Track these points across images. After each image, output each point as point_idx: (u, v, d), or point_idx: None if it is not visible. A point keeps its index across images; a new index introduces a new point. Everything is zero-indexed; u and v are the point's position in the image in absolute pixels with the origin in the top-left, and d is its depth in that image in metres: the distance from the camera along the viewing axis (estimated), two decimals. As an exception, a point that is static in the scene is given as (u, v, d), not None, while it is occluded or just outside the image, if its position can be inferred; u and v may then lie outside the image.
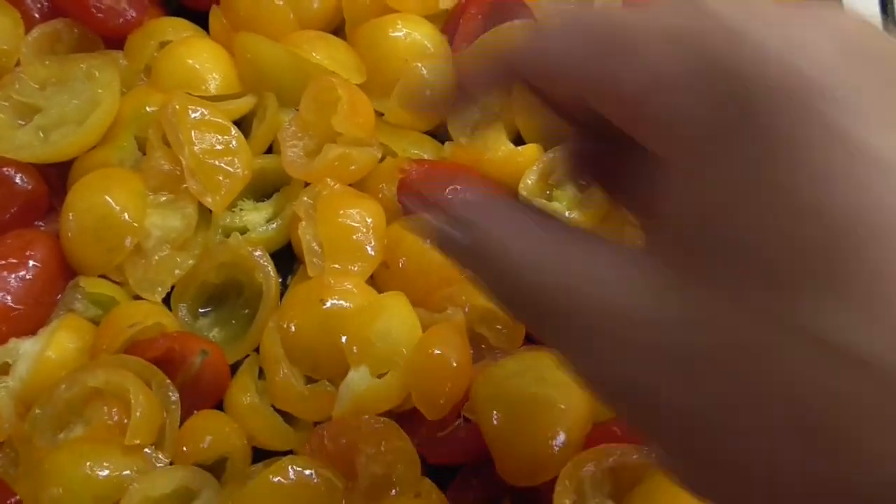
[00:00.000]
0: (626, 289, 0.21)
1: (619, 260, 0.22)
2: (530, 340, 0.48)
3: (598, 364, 0.22)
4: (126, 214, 0.50)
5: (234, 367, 0.49)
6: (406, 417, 0.46)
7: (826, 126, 0.18)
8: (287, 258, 0.53)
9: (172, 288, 0.51)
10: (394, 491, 0.43)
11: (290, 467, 0.43)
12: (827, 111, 0.19)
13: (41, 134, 0.53)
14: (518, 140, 0.56)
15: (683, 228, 0.20)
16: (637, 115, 0.22)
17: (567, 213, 0.51)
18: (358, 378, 0.44)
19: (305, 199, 0.50)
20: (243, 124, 0.56)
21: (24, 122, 0.54)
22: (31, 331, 0.49)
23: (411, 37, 0.56)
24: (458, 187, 0.51)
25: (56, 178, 0.55)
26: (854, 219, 0.18)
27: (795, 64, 0.19)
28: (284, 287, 0.52)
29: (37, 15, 0.58)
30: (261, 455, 0.47)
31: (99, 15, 0.56)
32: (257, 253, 0.50)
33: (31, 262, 0.50)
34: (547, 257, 0.23)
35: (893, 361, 0.17)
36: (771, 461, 0.19)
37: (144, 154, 0.54)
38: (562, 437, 0.42)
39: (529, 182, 0.52)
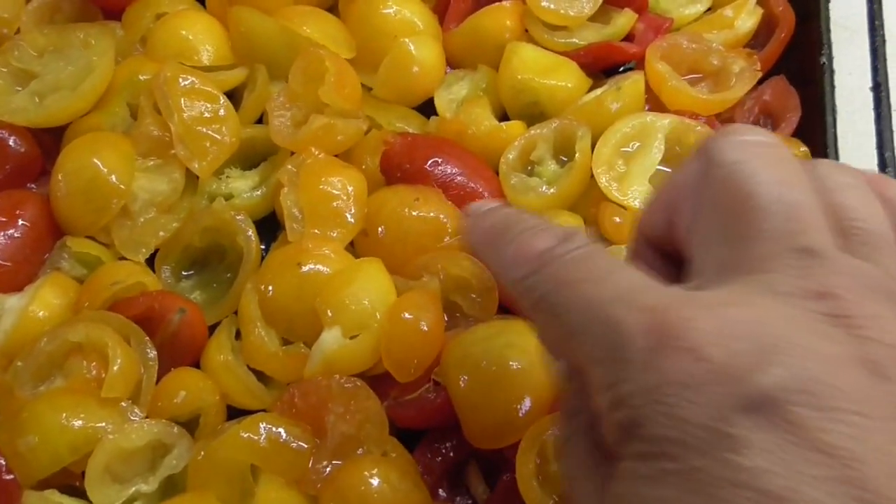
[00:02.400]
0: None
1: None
2: (504, 310, 0.48)
3: None
4: (114, 177, 0.51)
5: (214, 329, 0.50)
6: (377, 380, 0.46)
7: None
8: (271, 226, 0.54)
9: (157, 251, 0.52)
10: (361, 450, 0.44)
11: (260, 424, 0.44)
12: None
13: (37, 99, 0.55)
14: (503, 117, 0.57)
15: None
16: None
17: (546, 189, 0.51)
18: (330, 339, 0.45)
19: (290, 166, 0.51)
20: (236, 95, 0.58)
21: (21, 88, 0.55)
22: (18, 287, 0.50)
23: (401, 14, 0.57)
24: (439, 160, 0.52)
25: (51, 142, 0.56)
26: None
27: None
28: (267, 254, 0.52)
29: (38, -15, 0.59)
30: (235, 413, 0.47)
31: (98, -14, 0.58)
32: (239, 217, 0.51)
33: (20, 222, 0.51)
34: None
35: None
36: None
37: (136, 121, 0.55)
38: (527, 403, 0.43)
39: (511, 157, 0.53)
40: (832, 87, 0.51)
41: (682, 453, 0.21)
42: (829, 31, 0.53)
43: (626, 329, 0.23)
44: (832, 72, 0.52)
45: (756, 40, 0.58)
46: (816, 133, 0.51)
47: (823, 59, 0.53)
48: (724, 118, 0.54)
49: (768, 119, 0.55)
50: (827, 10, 0.55)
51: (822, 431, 0.20)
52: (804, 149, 0.51)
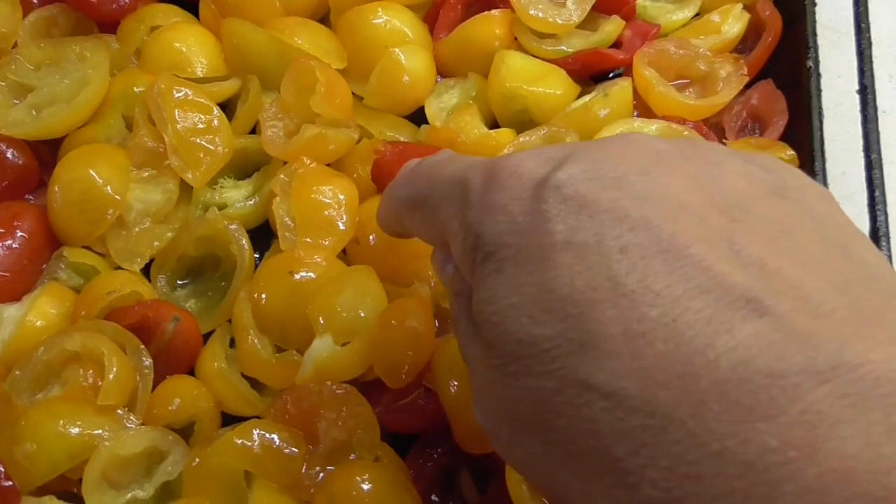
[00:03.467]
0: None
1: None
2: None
3: None
4: (109, 187, 0.52)
5: (209, 337, 0.51)
6: (369, 386, 0.47)
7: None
8: (265, 235, 0.55)
9: (153, 261, 0.53)
10: (353, 455, 0.44)
11: (253, 430, 0.44)
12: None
13: (33, 112, 0.55)
14: (493, 125, 0.57)
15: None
16: None
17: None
18: (321, 346, 0.46)
19: (282, 176, 0.52)
20: (229, 106, 0.58)
21: (18, 101, 0.56)
22: (16, 297, 0.51)
23: (391, 24, 0.58)
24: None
25: (48, 154, 0.57)
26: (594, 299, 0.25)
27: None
28: (261, 262, 0.53)
29: (35, 0, 0.60)
30: (230, 420, 0.48)
31: (93, 0, 0.59)
32: (233, 226, 0.51)
33: (18, 233, 0.52)
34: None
35: (631, 389, 0.24)
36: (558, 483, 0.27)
37: (131, 132, 0.56)
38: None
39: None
40: (819, 90, 0.52)
41: (515, 240, 0.27)
42: (815, 34, 0.54)
43: (470, 181, 0.30)
44: (818, 75, 0.53)
45: (744, 45, 0.58)
46: (803, 136, 0.52)
47: (810, 63, 0.53)
48: (712, 123, 0.55)
49: (756, 123, 0.55)
50: (813, 13, 0.56)
51: (591, 192, 0.26)
52: (791, 153, 0.51)
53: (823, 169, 0.49)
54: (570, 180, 0.27)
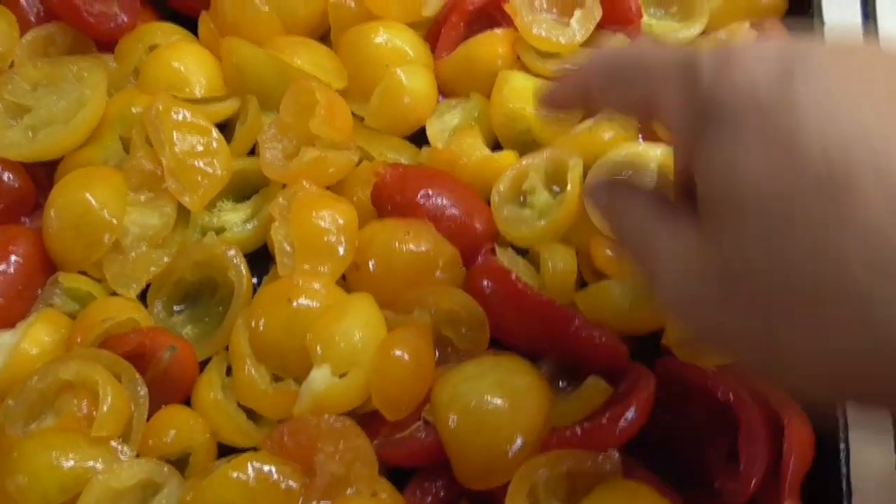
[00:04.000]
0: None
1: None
2: (495, 344, 0.48)
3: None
4: (105, 211, 0.51)
5: (207, 364, 0.50)
6: (367, 418, 0.46)
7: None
8: (263, 259, 0.54)
9: (149, 286, 0.52)
10: (350, 490, 0.43)
11: (249, 463, 0.43)
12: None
13: (30, 133, 0.55)
14: (496, 146, 0.56)
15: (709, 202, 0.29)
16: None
17: (539, 221, 0.51)
18: (319, 377, 0.45)
19: (281, 199, 0.51)
20: (228, 126, 0.58)
21: (15, 122, 0.56)
22: (10, 324, 0.50)
23: (392, 43, 0.57)
24: (430, 192, 0.52)
25: (44, 177, 0.56)
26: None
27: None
28: (259, 287, 0.52)
29: (32, 18, 0.60)
30: (227, 451, 0.47)
31: (91, 19, 0.58)
32: (230, 252, 0.51)
33: (12, 257, 0.51)
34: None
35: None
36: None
37: (129, 154, 0.55)
38: (518, 442, 0.42)
39: (502, 188, 0.52)
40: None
41: (760, 113, 0.27)
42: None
43: (700, 62, 0.30)
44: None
45: (751, 65, 0.57)
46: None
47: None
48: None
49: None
50: (822, 31, 0.55)
51: (841, 80, 0.27)
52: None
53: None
54: (820, 67, 0.27)
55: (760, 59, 0.28)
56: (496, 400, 0.43)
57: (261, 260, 0.54)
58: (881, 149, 0.25)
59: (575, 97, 0.38)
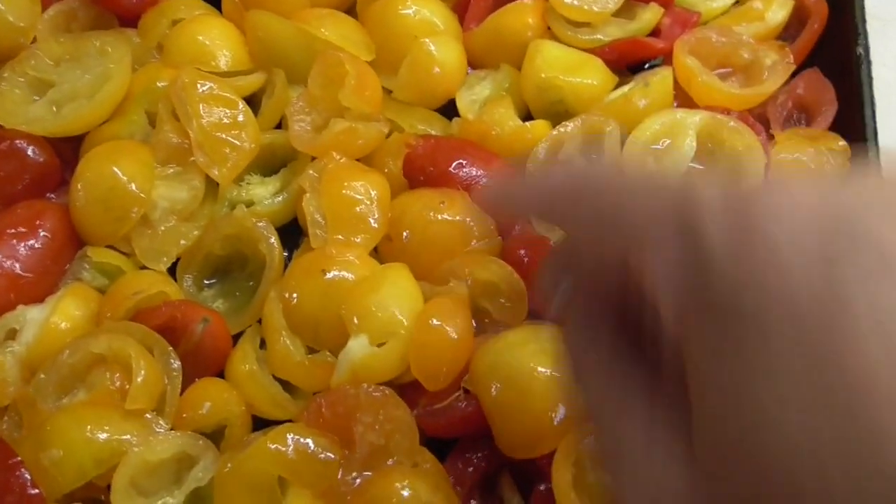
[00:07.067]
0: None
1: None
2: (533, 315, 0.47)
3: None
4: (133, 185, 0.50)
5: (238, 338, 0.49)
6: (406, 388, 0.45)
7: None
8: (293, 232, 0.53)
9: (178, 260, 0.52)
10: (391, 460, 0.43)
11: (287, 435, 0.43)
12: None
13: (54, 108, 0.54)
14: (527, 117, 0.56)
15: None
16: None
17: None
18: (357, 347, 0.44)
19: (311, 172, 0.50)
20: (254, 100, 0.57)
21: (38, 97, 0.55)
22: (39, 298, 0.49)
23: (420, 14, 0.56)
24: (463, 162, 0.51)
25: (69, 152, 0.55)
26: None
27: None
28: (290, 261, 0.51)
29: (54, -6, 0.59)
30: (261, 424, 0.47)
31: (113, -7, 0.57)
32: (261, 224, 0.50)
33: (40, 232, 0.50)
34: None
35: None
36: None
37: (155, 128, 0.54)
38: (562, 411, 0.41)
39: (540, 157, 0.51)
40: (870, 78, 0.50)
41: (796, 322, 0.19)
42: (864, 20, 0.51)
43: (703, 229, 0.21)
44: (869, 63, 0.50)
45: (787, 32, 0.56)
46: (854, 127, 0.49)
47: (860, 50, 0.51)
48: (756, 113, 0.53)
49: (801, 113, 0.53)
50: (877, 158, 0.49)
51: None
52: (842, 143, 0.49)
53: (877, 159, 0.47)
54: (881, 250, 0.19)
55: (794, 239, 0.20)
56: (539, 367, 0.42)
57: (290, 234, 0.53)
58: None
59: (522, 212, 0.31)
